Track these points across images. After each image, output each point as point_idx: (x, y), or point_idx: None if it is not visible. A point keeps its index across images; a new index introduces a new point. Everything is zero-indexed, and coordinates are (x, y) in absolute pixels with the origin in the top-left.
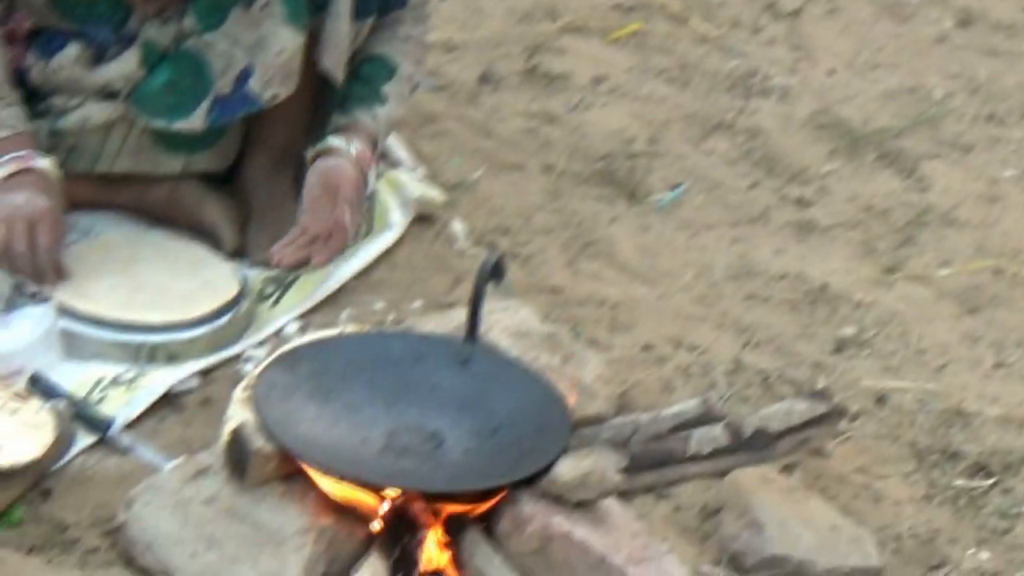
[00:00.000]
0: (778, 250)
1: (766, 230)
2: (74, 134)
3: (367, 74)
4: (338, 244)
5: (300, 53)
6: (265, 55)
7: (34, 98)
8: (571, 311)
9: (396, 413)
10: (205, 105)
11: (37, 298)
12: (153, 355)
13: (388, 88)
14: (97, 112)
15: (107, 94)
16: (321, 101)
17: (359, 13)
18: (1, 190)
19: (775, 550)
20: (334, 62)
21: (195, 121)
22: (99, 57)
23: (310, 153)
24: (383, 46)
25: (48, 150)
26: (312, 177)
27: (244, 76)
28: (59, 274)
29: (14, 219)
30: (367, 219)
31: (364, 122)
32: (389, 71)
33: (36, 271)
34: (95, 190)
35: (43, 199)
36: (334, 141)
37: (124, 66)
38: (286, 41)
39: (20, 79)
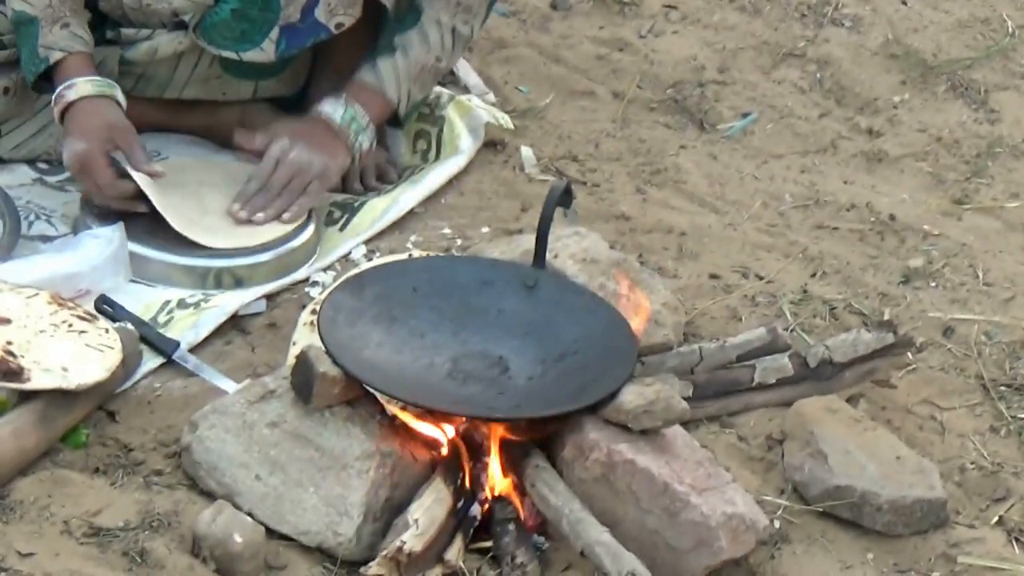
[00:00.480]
0: (847, 180)
1: (835, 160)
2: (143, 64)
3: (388, 22)
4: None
5: None
6: None
7: (103, 24)
8: (638, 239)
9: (462, 339)
10: (274, 35)
11: (105, 220)
12: (220, 279)
13: (401, 38)
14: (166, 43)
15: (176, 24)
16: (383, 24)
17: None
18: (70, 117)
19: (839, 480)
20: None
21: (265, 51)
22: None
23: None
24: None
25: (118, 77)
26: (284, 130)
27: (311, 4)
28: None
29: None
30: (435, 144)
31: (366, 81)
32: (413, 19)
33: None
34: (164, 113)
35: (111, 114)
36: (327, 108)
37: None
38: None
39: (91, 5)
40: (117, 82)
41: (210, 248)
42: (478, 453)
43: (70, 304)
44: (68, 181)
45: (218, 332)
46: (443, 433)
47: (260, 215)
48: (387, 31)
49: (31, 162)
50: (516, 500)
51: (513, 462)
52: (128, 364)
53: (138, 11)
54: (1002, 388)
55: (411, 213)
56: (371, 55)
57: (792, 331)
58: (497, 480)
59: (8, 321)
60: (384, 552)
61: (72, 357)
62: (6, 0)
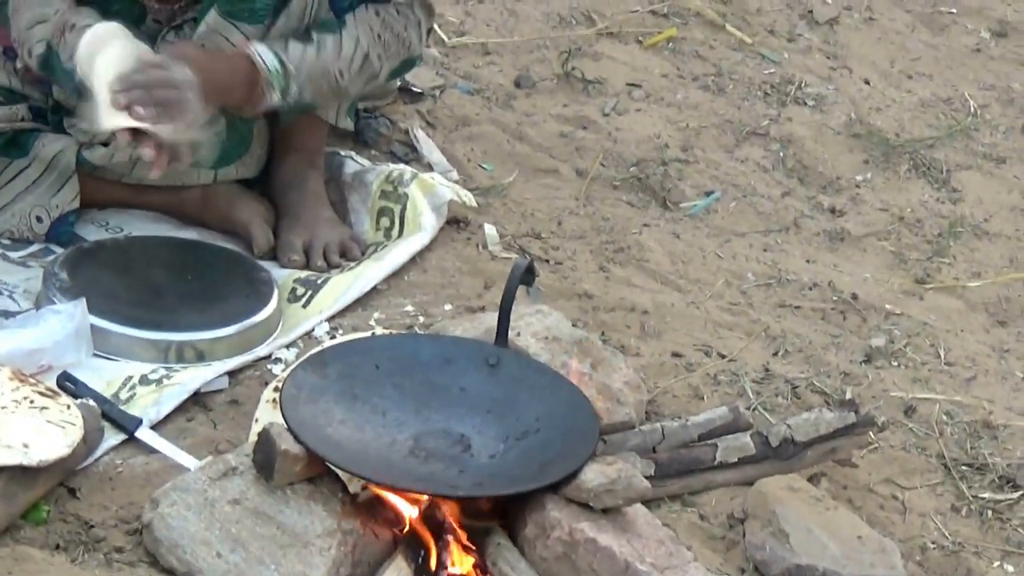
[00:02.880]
0: (809, 259)
1: (798, 238)
2: (103, 161)
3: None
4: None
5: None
6: None
7: (59, 111)
8: (601, 317)
9: (424, 417)
10: None
11: (68, 296)
12: (181, 353)
13: (319, 35)
14: (124, 147)
15: None
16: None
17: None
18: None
19: (800, 559)
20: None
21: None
22: None
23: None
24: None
25: (75, 167)
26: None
27: None
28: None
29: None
30: (398, 221)
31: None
32: (334, 26)
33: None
34: (128, 192)
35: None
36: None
37: None
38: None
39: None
40: (75, 171)
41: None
42: (440, 531)
43: (32, 380)
44: (30, 257)
45: (180, 408)
46: (405, 511)
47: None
48: (306, 27)
49: None
50: None
51: (475, 540)
52: (90, 441)
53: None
54: (963, 468)
55: (374, 290)
56: (284, 39)
57: (754, 410)
58: (458, 558)
59: None
60: None
61: (34, 433)
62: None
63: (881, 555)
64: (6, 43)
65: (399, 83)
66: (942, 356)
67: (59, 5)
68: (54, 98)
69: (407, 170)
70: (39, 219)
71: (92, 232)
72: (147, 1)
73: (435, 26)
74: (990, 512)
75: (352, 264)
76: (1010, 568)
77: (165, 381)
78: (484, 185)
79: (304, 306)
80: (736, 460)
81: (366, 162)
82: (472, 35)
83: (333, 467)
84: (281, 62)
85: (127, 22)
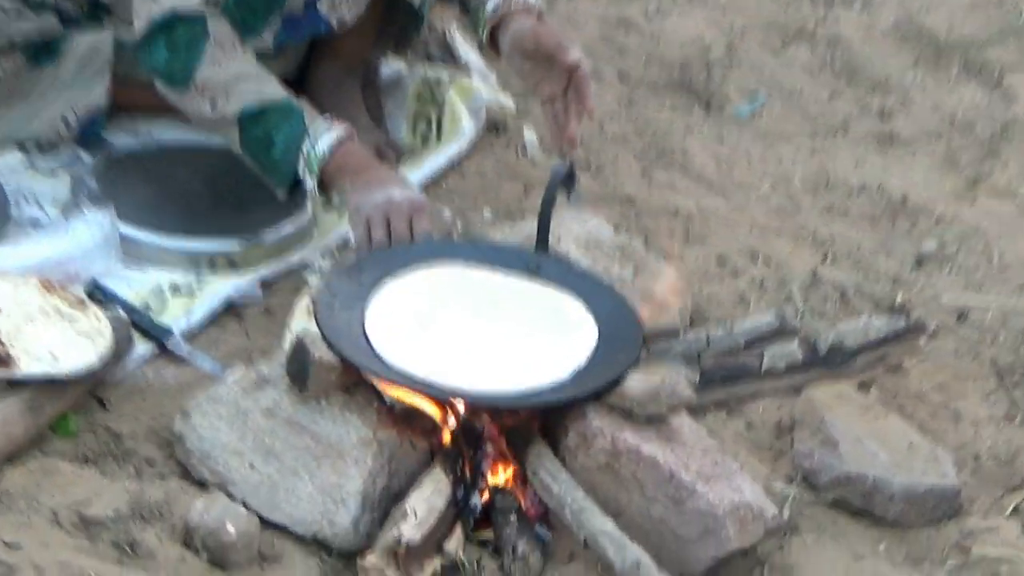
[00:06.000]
0: (858, 161)
1: (846, 141)
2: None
3: None
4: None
5: None
6: None
7: (98, 9)
8: (644, 222)
9: None
10: (274, 25)
11: (97, 204)
12: (213, 262)
13: None
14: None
15: None
16: (391, 12)
17: None
18: (365, 184)
19: (849, 468)
20: None
21: (263, 40)
22: None
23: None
24: None
25: (112, 60)
26: (528, 35)
27: None
28: None
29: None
30: (436, 127)
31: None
32: None
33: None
34: (159, 96)
35: (413, 191)
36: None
37: None
38: None
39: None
40: (111, 65)
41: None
42: (478, 441)
43: (60, 290)
44: (59, 167)
45: (212, 319)
46: (443, 420)
47: None
48: None
49: (21, 147)
50: (517, 489)
51: (514, 450)
52: (119, 351)
53: None
54: (1017, 374)
55: None
56: None
57: (802, 316)
58: (499, 468)
59: None
60: (382, 543)
61: (62, 344)
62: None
63: (933, 463)
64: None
65: None
66: (995, 260)
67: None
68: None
69: (445, 74)
70: (67, 121)
71: (121, 138)
72: None
73: None
74: None
75: None
76: None
77: (196, 290)
78: (523, 89)
79: (339, 213)
80: (783, 367)
81: (402, 65)
82: None
83: (368, 376)
84: None
85: None
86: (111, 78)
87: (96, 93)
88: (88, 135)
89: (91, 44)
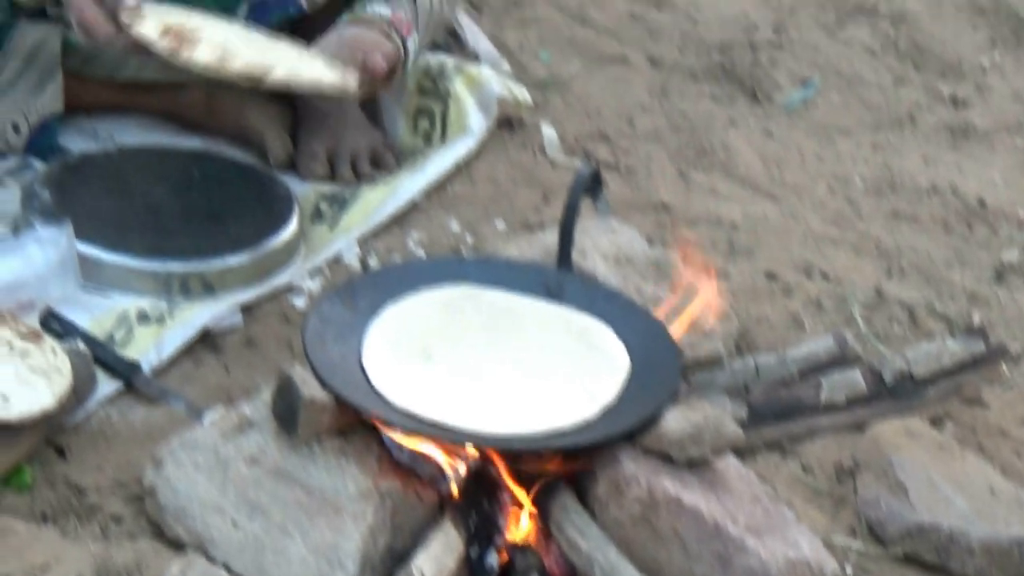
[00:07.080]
0: (928, 159)
1: (913, 135)
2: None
3: None
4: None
5: None
6: None
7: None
8: (681, 232)
9: None
10: (241, 10)
11: (52, 219)
12: (186, 285)
13: None
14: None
15: None
16: None
17: None
18: None
19: (922, 517)
20: None
21: None
22: None
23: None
24: None
25: (61, 58)
26: (331, 36)
27: None
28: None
29: None
30: (440, 123)
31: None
32: None
33: None
34: (121, 93)
35: None
36: (368, 9)
37: None
38: None
39: None
40: (59, 65)
41: (174, 248)
42: (494, 491)
43: (11, 319)
44: (6, 174)
45: (186, 351)
46: (455, 467)
47: None
48: None
49: None
50: (540, 546)
51: (536, 501)
52: (80, 391)
53: None
54: None
55: (412, 206)
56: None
57: (864, 340)
58: (518, 523)
59: None
60: None
61: (13, 383)
62: None
63: (1018, 510)
64: None
65: None
66: None
67: None
68: None
69: (449, 62)
70: (16, 128)
71: (79, 142)
72: None
73: None
74: None
75: (386, 175)
76: None
77: (167, 318)
78: (541, 78)
79: (330, 227)
80: (844, 400)
81: None
82: None
83: (367, 417)
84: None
85: None
86: (62, 77)
87: (48, 96)
88: (40, 144)
89: (38, 37)
